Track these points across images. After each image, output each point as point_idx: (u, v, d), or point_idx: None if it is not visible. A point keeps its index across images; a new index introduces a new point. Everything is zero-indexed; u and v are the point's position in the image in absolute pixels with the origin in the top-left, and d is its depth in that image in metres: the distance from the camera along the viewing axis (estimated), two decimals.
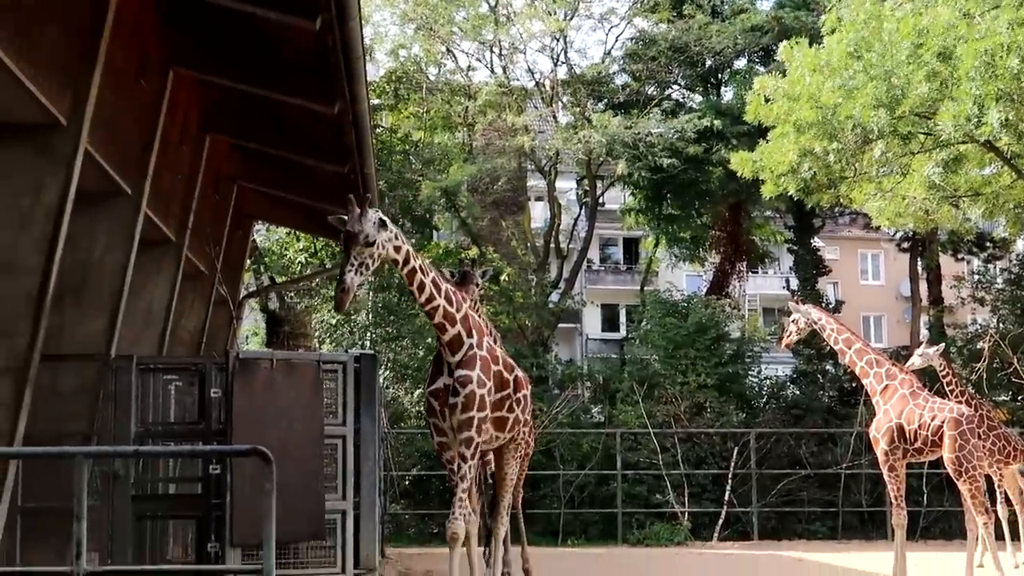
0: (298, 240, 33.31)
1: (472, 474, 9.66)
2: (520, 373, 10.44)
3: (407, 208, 33.86)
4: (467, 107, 35.89)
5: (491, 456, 12.26)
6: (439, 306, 9.43)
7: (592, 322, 54.33)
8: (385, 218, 9.11)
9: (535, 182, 41.88)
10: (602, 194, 39.50)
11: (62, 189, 11.86)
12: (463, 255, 36.46)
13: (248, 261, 26.37)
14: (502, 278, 35.74)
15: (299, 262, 32.59)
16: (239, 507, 12.89)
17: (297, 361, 13.78)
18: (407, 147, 35.55)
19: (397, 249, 9.10)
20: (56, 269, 11.94)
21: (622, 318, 53.32)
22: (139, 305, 16.36)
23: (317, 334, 28.46)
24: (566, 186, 44.48)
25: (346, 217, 8.93)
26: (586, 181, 38.85)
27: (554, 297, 36.70)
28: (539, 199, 45.70)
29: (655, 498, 25.62)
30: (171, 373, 15.47)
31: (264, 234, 34.05)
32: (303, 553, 13.61)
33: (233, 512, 12.92)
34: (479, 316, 11.80)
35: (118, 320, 14.40)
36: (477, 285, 12.67)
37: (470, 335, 9.63)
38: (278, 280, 30.78)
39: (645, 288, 40.44)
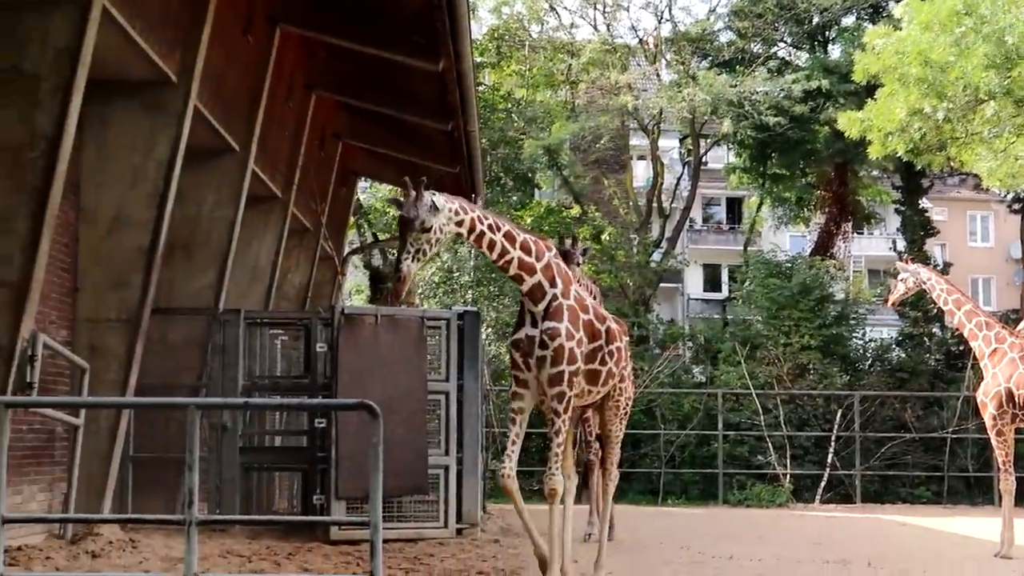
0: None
1: (566, 428, 9.39)
2: (614, 324, 9.92)
3: (509, 166, 33.85)
4: (570, 65, 35.69)
5: (589, 414, 12.22)
6: (513, 258, 8.94)
7: (694, 282, 53.94)
8: (440, 198, 8.59)
9: (638, 141, 41.57)
10: (706, 153, 39.10)
11: (173, 145, 12.05)
12: (564, 215, 36.40)
13: (352, 218, 26.61)
14: (603, 237, 35.61)
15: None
16: (344, 460, 13.06)
17: (401, 317, 13.89)
18: (509, 105, 35.48)
19: (460, 223, 8.71)
20: (166, 224, 12.16)
21: (724, 278, 52.83)
22: (246, 260, 16.60)
23: (420, 291, 28.64)
24: (669, 145, 44.10)
25: (402, 200, 8.51)
26: (689, 140, 38.48)
27: (656, 256, 36.50)
28: (641, 158, 45.38)
29: (756, 459, 25.43)
30: (277, 327, 15.71)
31: (368, 191, 34.31)
32: (406, 507, 13.77)
33: (338, 465, 13.10)
34: (579, 282, 11.70)
35: (226, 275, 14.63)
36: (578, 264, 12.44)
37: (553, 284, 9.22)
38: (381, 237, 30.98)
39: (748, 248, 39.99)
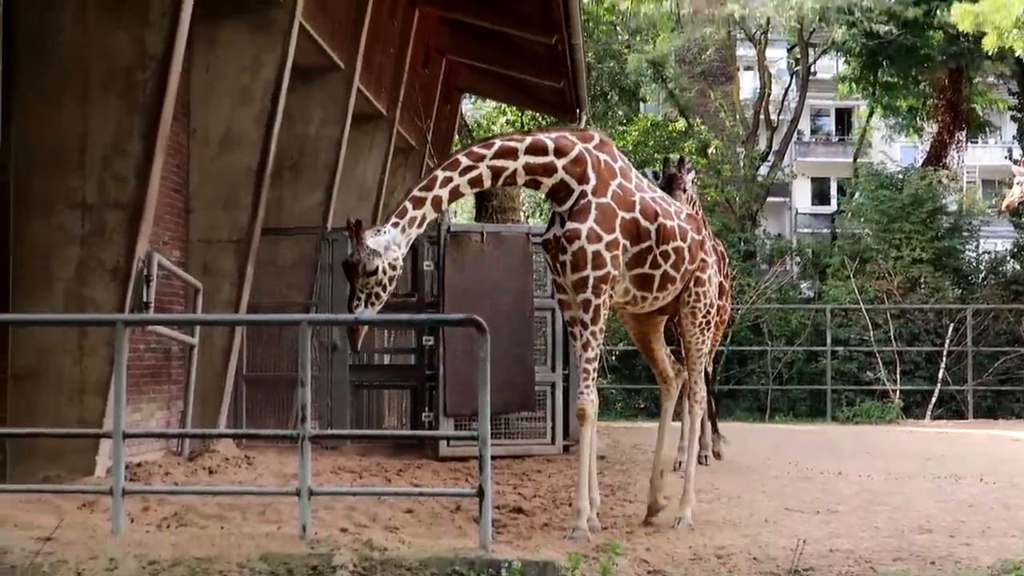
0: (504, 114, 33.40)
1: (597, 342, 8.46)
2: (676, 222, 9.05)
3: (614, 80, 33.53)
4: None
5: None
6: (517, 169, 8.37)
7: (802, 195, 53.14)
8: (382, 237, 8.02)
9: (744, 51, 40.82)
10: (814, 62, 38.26)
11: (279, 64, 12.12)
12: (670, 129, 36.01)
13: (457, 135, 26.59)
14: (710, 151, 35.20)
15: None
16: (452, 378, 13.18)
17: (507, 234, 13.90)
18: (614, 17, 35.03)
19: (414, 221, 8.12)
20: (274, 144, 12.27)
21: (833, 191, 51.95)
22: (353, 179, 16.73)
23: (525, 208, 28.63)
24: (776, 55, 43.18)
25: (351, 245, 8.03)
26: (797, 49, 37.66)
27: (763, 170, 35.99)
28: (748, 69, 44.56)
29: (866, 375, 25.15)
30: None
31: (471, 107, 34.23)
32: (513, 424, 13.88)
33: (447, 382, 13.23)
34: (692, 205, 11.28)
35: (333, 194, 14.76)
36: (684, 191, 11.74)
37: (583, 180, 8.52)
38: None
39: (858, 160, 39.23)
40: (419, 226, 8.17)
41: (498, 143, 8.39)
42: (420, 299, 13.90)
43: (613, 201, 8.55)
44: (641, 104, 37.44)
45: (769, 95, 37.69)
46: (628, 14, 35.17)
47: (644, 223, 8.75)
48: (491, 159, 8.29)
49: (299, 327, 7.05)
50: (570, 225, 8.42)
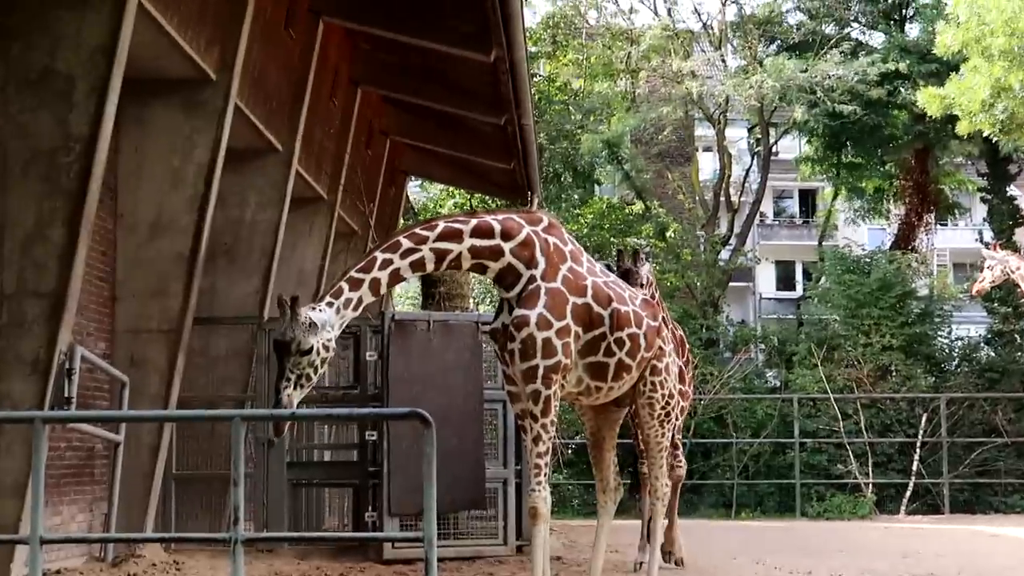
0: (453, 196, 33.59)
1: (548, 435, 8.40)
2: (631, 307, 9.00)
3: (568, 161, 33.83)
4: (629, 53, 35.61)
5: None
6: (461, 252, 8.31)
7: (766, 280, 53.64)
8: (321, 314, 8.01)
9: (703, 131, 41.44)
10: (775, 143, 38.88)
11: (213, 146, 12.15)
12: (627, 212, 36.29)
13: (402, 219, 26.67)
14: (668, 234, 35.49)
15: None
16: (397, 475, 13.08)
17: (455, 323, 13.90)
18: (566, 97, 35.52)
19: (350, 303, 8.12)
20: (207, 228, 12.24)
21: (798, 276, 52.47)
22: (291, 265, 16.71)
23: (474, 295, 28.70)
24: (736, 135, 43.88)
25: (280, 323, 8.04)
26: (758, 129, 38.27)
27: (724, 254, 36.32)
28: (707, 149, 45.20)
29: (836, 468, 25.21)
30: None
31: (418, 190, 34.40)
32: (463, 524, 13.77)
33: (391, 480, 13.12)
34: (650, 294, 11.24)
35: (270, 281, 14.73)
36: (641, 285, 11.61)
37: (531, 264, 8.49)
38: None
39: (823, 243, 39.68)
40: (355, 309, 8.20)
41: (441, 225, 8.46)
42: (363, 391, 13.83)
43: (563, 286, 8.63)
44: (596, 186, 37.76)
45: (729, 176, 38.20)
46: (582, 93, 35.69)
47: (597, 308, 8.81)
48: (434, 241, 8.37)
49: (232, 422, 6.99)
50: (518, 312, 8.48)
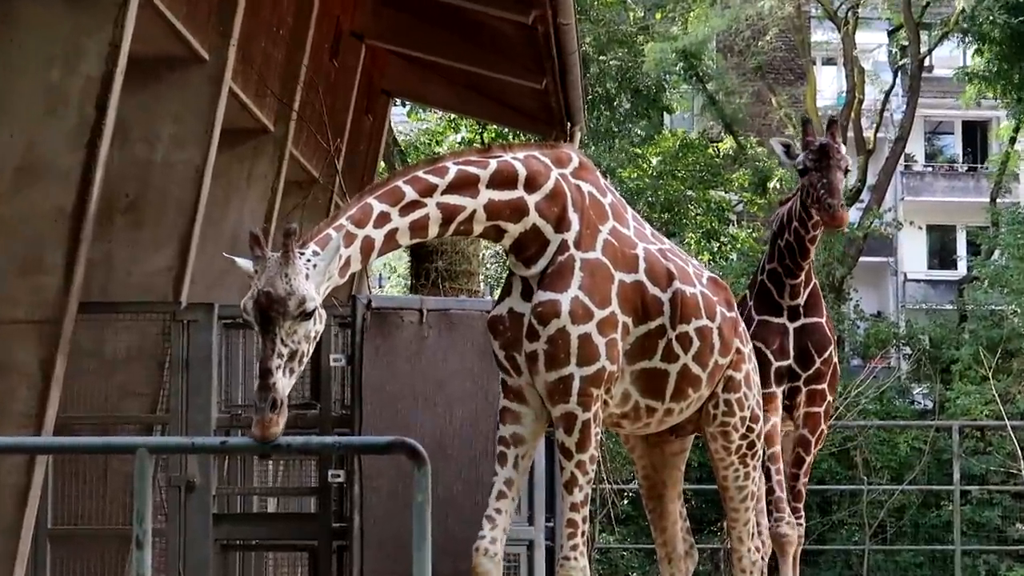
0: (457, 129, 33.59)
1: (587, 478, 8.46)
2: (699, 288, 9.08)
3: (625, 79, 33.81)
4: None
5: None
6: (474, 211, 8.17)
7: (913, 254, 53.47)
8: (309, 251, 7.75)
9: (823, 35, 41.33)
10: (929, 52, 38.72)
11: (109, 53, 12.14)
12: (710, 151, 36.21)
13: (382, 162, 26.68)
14: (771, 186, 35.45)
15: None
16: (373, 533, 13.10)
17: (459, 312, 13.89)
18: None
19: (338, 263, 7.86)
20: (99, 174, 12.23)
21: (960, 247, 52.31)
22: (222, 229, 16.71)
23: (486, 270, 28.71)
24: (871, 41, 43.78)
25: (256, 265, 7.65)
26: (903, 33, 38.12)
27: (853, 216, 36.20)
28: (829, 62, 45.15)
29: (1014, 530, 25.19)
30: None
31: (406, 120, 34.39)
32: None
33: (364, 540, 13.14)
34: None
35: (191, 251, 14.73)
36: (846, 172, 11.57)
37: (561, 225, 8.43)
38: None
39: (997, 200, 39.57)
40: (340, 274, 7.93)
41: (453, 169, 8.23)
42: (324, 411, 13.85)
43: (606, 256, 8.47)
44: (666, 116, 37.74)
45: (861, 102, 38.12)
46: None
47: (653, 290, 8.69)
48: (444, 193, 8.14)
49: (136, 456, 7.01)
50: (544, 296, 8.35)
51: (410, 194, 8.12)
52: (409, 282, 24.53)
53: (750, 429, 9.45)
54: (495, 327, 8.67)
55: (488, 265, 28.80)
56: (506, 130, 28.94)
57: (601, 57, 32.94)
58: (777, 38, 37.26)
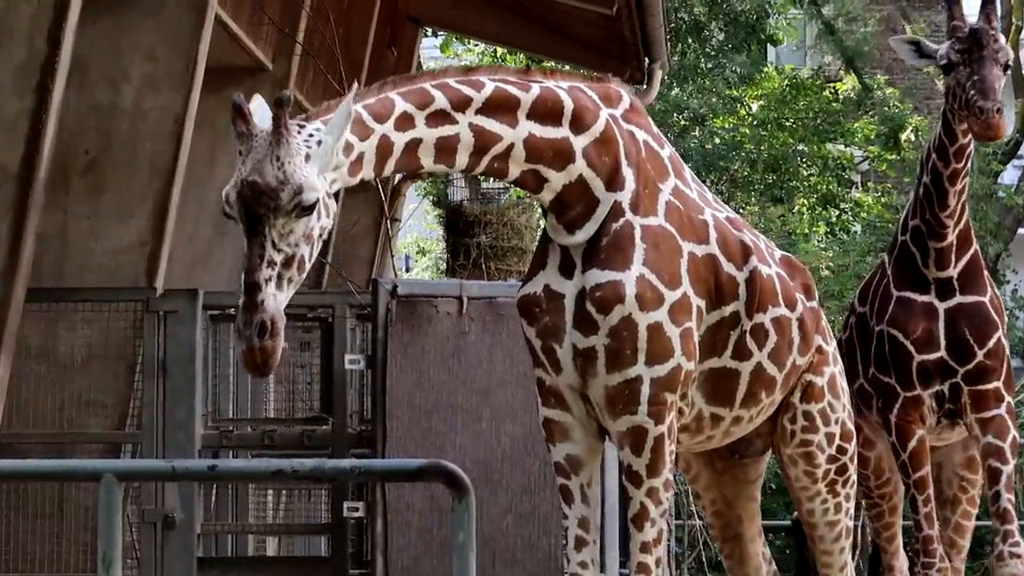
0: (502, 65, 33.58)
1: (661, 509, 8.31)
2: (774, 268, 8.93)
3: (720, 2, 33.76)
4: None
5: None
6: (512, 145, 7.97)
7: None
8: (308, 126, 7.57)
9: None
10: None
11: None
12: (826, 92, 36.14)
13: None
14: (904, 137, 35.35)
15: None
16: None
17: (507, 300, 13.88)
18: None
19: (351, 152, 7.68)
20: (52, 124, 12.27)
21: None
22: (206, 195, 16.75)
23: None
24: None
25: (241, 146, 7.47)
26: None
27: (1010, 177, 36.11)
28: None
29: None
30: None
31: (438, 56, 34.44)
32: None
33: None
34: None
35: (168, 222, 14.76)
36: (1006, 67, 11.24)
37: (612, 182, 8.28)
38: None
39: None
40: (351, 172, 7.77)
41: (489, 84, 8.12)
42: (338, 428, 13.87)
43: (670, 223, 8.34)
44: (770, 47, 37.68)
45: (1020, 30, 37.89)
46: None
47: (727, 267, 8.55)
48: (479, 112, 8.04)
49: (101, 483, 7.01)
50: (600, 276, 8.20)
51: (440, 101, 7.98)
52: (445, 262, 24.61)
53: (840, 449, 9.31)
54: (529, 309, 8.51)
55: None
56: (565, 67, 28.91)
57: None
58: None
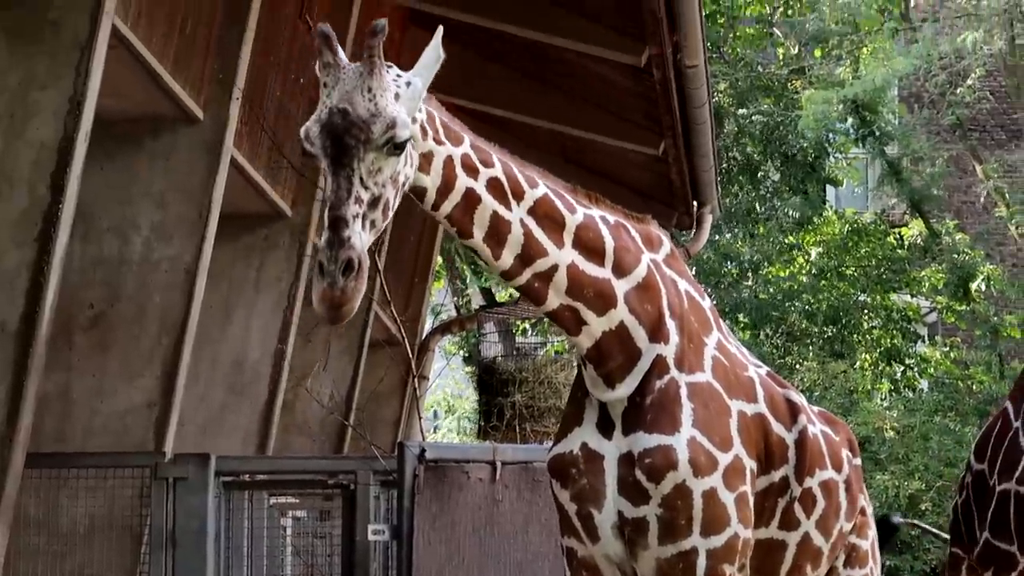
0: None
1: None
2: (819, 426, 8.79)
3: (772, 141, 33.88)
4: None
5: None
6: (557, 267, 7.75)
7: None
8: (417, 73, 7.57)
9: None
10: None
11: (68, 112, 12.25)
12: (891, 239, 36.15)
13: (439, 257, 26.79)
14: (975, 288, 35.32)
15: None
16: None
17: (543, 465, 13.85)
18: (766, 11, 35.71)
19: (429, 158, 7.57)
20: (54, 278, 12.32)
21: None
22: (222, 351, 16.82)
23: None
24: None
25: (326, 76, 7.33)
26: None
27: None
28: None
29: None
30: (287, 492, 15.81)
31: None
32: None
33: None
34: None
35: (177, 381, 14.80)
36: None
37: (656, 333, 8.14)
38: (501, 299, 31.14)
39: None
40: (420, 168, 7.53)
41: (541, 184, 7.93)
42: None
43: (718, 380, 8.25)
44: (829, 189, 37.77)
45: None
46: (797, 3, 35.75)
47: (777, 428, 8.47)
48: (529, 210, 7.82)
49: None
50: (647, 439, 7.89)
51: (499, 171, 7.88)
52: (477, 423, 24.49)
53: None
54: (563, 470, 8.20)
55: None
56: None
57: (740, 111, 33.03)
58: (983, 83, 37.12)
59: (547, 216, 7.86)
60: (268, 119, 16.74)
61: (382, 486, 13.77)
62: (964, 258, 35.46)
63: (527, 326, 32.75)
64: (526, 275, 7.87)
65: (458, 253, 31.95)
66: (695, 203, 21.00)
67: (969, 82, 36.08)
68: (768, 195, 34.94)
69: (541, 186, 7.89)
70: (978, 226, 38.03)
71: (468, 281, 32.91)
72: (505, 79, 20.59)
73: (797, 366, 32.57)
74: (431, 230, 24.36)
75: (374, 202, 7.19)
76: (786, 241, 34.59)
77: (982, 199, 38.26)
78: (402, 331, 21.47)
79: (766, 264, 34.16)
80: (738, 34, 34.35)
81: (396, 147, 7.18)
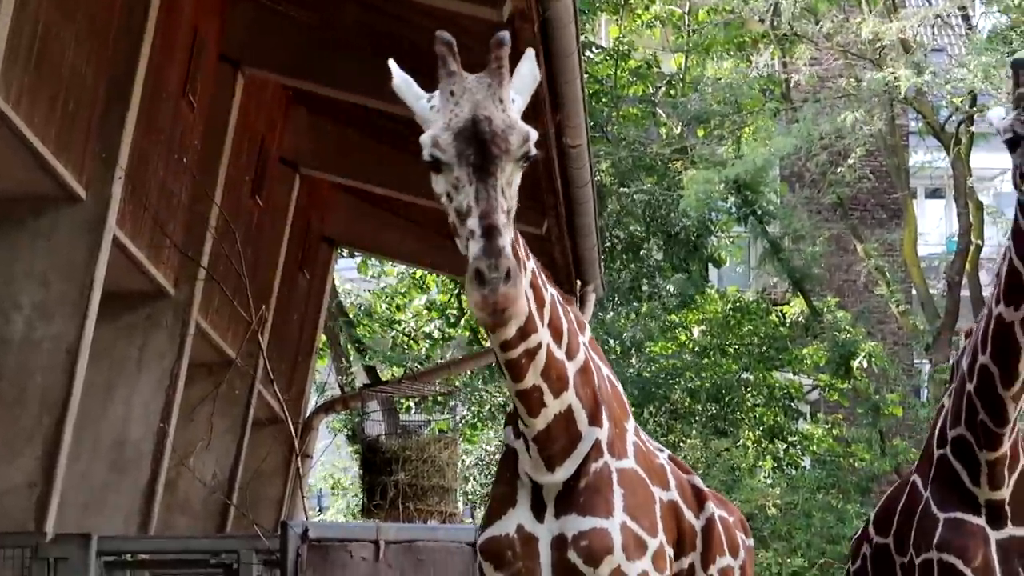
0: (424, 290, 33.66)
1: None
2: (723, 511, 8.97)
3: (656, 220, 33.96)
4: (777, 3, 35.87)
5: None
6: (540, 346, 7.83)
7: None
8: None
9: (924, 154, 41.26)
10: None
11: None
12: (771, 317, 36.31)
13: (322, 335, 26.71)
14: (855, 365, 35.48)
15: (423, 334, 32.94)
16: None
17: (428, 544, 13.85)
18: (649, 89, 35.76)
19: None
20: None
21: None
22: (102, 431, 16.70)
23: (470, 486, 28.64)
24: (991, 166, 44.05)
25: (451, 85, 7.27)
26: None
27: None
28: (934, 195, 45.29)
29: None
30: (170, 572, 15.71)
31: (355, 279, 34.50)
32: None
33: None
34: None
35: (58, 460, 14.69)
36: None
37: (594, 417, 8.22)
38: (385, 377, 31.09)
39: None
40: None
41: (530, 261, 7.93)
42: None
43: (640, 466, 8.39)
44: (712, 269, 37.91)
45: (980, 249, 38.11)
46: (680, 83, 35.86)
47: (688, 515, 8.65)
48: (531, 283, 7.82)
49: None
50: (581, 521, 8.07)
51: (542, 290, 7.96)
52: (360, 502, 24.38)
53: None
54: (499, 553, 8.17)
55: (471, 476, 28.77)
56: None
57: (622, 189, 33.08)
58: (864, 163, 37.30)
59: (535, 288, 7.88)
60: (151, 198, 16.68)
61: (265, 565, 13.71)
62: (845, 336, 35.61)
63: (411, 403, 32.70)
64: (520, 349, 7.84)
65: (342, 331, 31.86)
66: (579, 282, 20.99)
67: (850, 161, 36.26)
68: (651, 273, 34.99)
69: (529, 260, 7.86)
70: (859, 304, 38.23)
71: (352, 359, 32.78)
72: (384, 159, 20.58)
73: (680, 444, 32.59)
74: (315, 308, 24.29)
75: (509, 214, 7.25)
76: (669, 319, 34.63)
77: (863, 277, 38.44)
78: (285, 410, 21.39)
79: (649, 342, 34.24)
80: (621, 114, 34.39)
81: (528, 160, 7.29)
